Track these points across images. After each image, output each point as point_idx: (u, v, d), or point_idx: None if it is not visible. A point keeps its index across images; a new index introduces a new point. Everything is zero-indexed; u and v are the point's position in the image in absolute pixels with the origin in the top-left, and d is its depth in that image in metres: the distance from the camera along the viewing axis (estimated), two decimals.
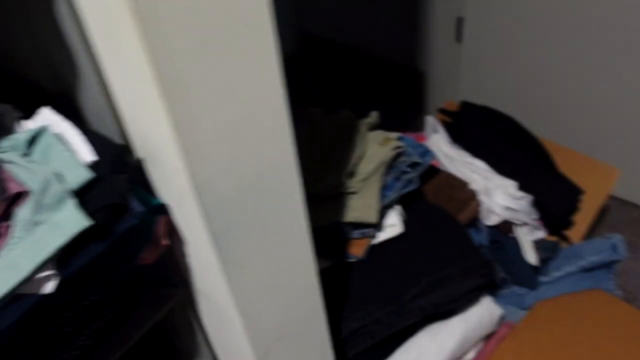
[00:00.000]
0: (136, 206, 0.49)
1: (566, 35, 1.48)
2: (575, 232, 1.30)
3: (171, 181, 0.49)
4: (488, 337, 1.11)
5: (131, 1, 0.34)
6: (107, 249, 0.47)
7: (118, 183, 0.47)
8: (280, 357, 0.68)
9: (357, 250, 0.84)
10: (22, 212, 0.43)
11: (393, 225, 0.87)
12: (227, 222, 0.50)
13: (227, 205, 0.49)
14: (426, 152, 0.88)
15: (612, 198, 1.64)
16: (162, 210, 0.53)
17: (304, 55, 2.52)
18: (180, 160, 0.44)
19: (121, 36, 0.38)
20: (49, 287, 0.43)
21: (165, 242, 0.54)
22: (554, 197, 1.20)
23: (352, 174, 0.82)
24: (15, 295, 0.41)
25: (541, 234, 1.22)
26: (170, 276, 0.65)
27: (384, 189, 0.83)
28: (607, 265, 1.23)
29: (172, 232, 0.57)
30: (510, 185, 1.12)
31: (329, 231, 0.81)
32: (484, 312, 1.05)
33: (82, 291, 0.50)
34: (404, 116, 2.03)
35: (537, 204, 1.20)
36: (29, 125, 0.49)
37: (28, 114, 0.50)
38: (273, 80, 0.46)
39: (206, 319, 0.71)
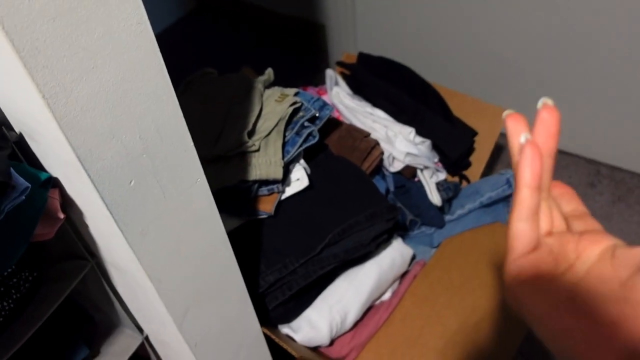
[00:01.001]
0: (21, 183, 0.48)
1: None
2: (474, 172, 1.39)
3: (55, 154, 0.49)
4: (402, 277, 1.18)
5: None
6: None
7: None
8: (199, 316, 0.70)
9: (266, 206, 0.86)
10: None
11: (299, 179, 0.89)
12: (121, 190, 0.51)
13: (117, 173, 0.49)
14: (324, 106, 0.91)
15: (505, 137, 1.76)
16: (51, 183, 0.52)
17: (200, 14, 2.46)
18: (58, 132, 0.43)
19: None
20: None
21: (61, 215, 0.53)
22: (451, 140, 1.27)
23: (252, 133, 0.83)
24: None
25: (443, 175, 1.29)
26: (77, 249, 0.64)
27: (286, 144, 0.85)
28: (504, 199, 1.34)
29: (69, 205, 0.56)
30: (409, 131, 1.17)
31: (236, 190, 0.83)
32: (396, 253, 1.11)
33: None
34: (305, 71, 2.05)
35: (436, 148, 1.27)
36: None
37: None
38: (147, 46, 0.46)
39: (120, 288, 0.71)
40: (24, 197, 0.48)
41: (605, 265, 0.28)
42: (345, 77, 1.33)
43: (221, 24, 2.40)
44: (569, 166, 1.64)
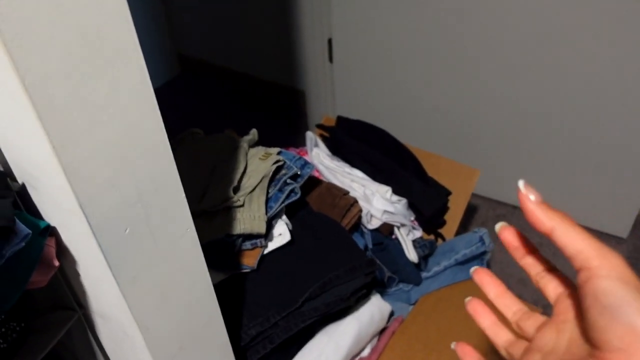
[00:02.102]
0: (22, 229, 0.51)
1: (422, 52, 1.65)
2: (448, 230, 1.44)
3: (55, 203, 0.52)
4: (381, 333, 1.20)
5: None
6: None
7: (2, 207, 0.49)
8: None
9: (249, 260, 0.89)
10: None
11: (281, 234, 0.93)
12: (116, 237, 0.54)
13: (113, 222, 0.52)
14: (305, 164, 0.96)
15: (480, 198, 1.83)
16: (49, 232, 0.55)
17: (184, 79, 2.55)
18: (62, 180, 0.47)
19: None
20: None
21: (56, 263, 0.56)
22: (425, 198, 1.32)
23: (237, 189, 0.87)
24: None
25: (418, 233, 1.33)
26: (65, 300, 0.66)
27: (269, 200, 0.89)
28: (479, 257, 1.38)
29: (62, 253, 0.58)
30: (386, 190, 1.23)
31: (221, 244, 0.86)
32: (375, 309, 1.13)
33: None
34: (287, 133, 2.12)
35: (412, 206, 1.33)
36: None
37: None
38: (146, 103, 0.51)
39: (105, 339, 0.72)
40: (24, 244, 0.50)
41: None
42: (325, 139, 1.40)
43: (205, 89, 2.49)
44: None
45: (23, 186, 0.54)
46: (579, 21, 1.38)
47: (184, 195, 0.60)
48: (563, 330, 0.35)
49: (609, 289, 0.29)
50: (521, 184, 0.35)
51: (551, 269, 0.39)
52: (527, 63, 1.50)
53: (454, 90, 1.66)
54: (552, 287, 0.38)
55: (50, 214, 0.55)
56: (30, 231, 0.51)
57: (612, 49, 1.38)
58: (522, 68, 1.51)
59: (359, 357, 1.12)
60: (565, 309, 0.36)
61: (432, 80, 1.69)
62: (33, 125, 0.43)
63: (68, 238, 0.56)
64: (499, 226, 0.39)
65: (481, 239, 1.35)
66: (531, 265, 0.39)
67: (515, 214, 1.73)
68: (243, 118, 2.26)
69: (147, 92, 0.50)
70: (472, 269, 0.43)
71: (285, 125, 2.19)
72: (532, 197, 0.34)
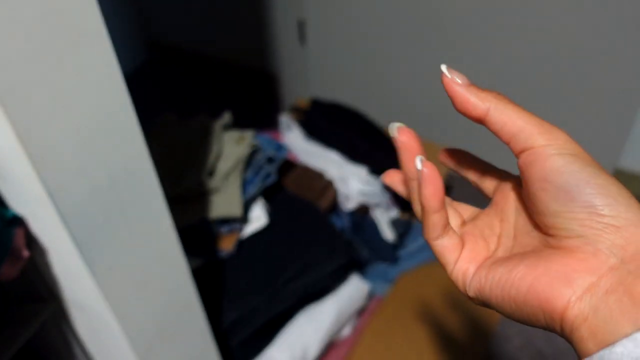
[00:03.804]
0: None
1: (397, 31, 1.65)
2: None
3: (24, 191, 0.50)
4: (361, 313, 1.21)
5: None
6: None
7: None
8: (162, 354, 0.70)
9: (227, 244, 0.88)
10: None
11: (258, 217, 0.92)
12: (88, 226, 0.52)
13: (85, 210, 0.51)
14: (280, 147, 0.95)
15: (456, 178, 1.85)
16: (17, 222, 0.53)
17: (153, 64, 2.50)
18: (28, 168, 0.45)
19: None
20: None
21: (25, 254, 0.54)
22: None
23: (212, 173, 0.86)
24: None
25: (395, 212, 1.35)
26: (38, 291, 0.64)
27: (245, 184, 0.89)
28: None
29: (32, 244, 0.57)
30: (361, 171, 1.23)
31: (198, 229, 0.85)
32: (353, 289, 1.14)
33: None
34: (260, 117, 2.10)
35: (388, 186, 1.33)
36: None
37: None
38: (114, 87, 0.49)
39: (81, 329, 0.71)
40: None
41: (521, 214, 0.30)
42: (299, 122, 1.39)
43: (175, 75, 2.44)
44: None
45: None
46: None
47: (157, 181, 0.59)
48: (505, 220, 0.31)
49: (563, 167, 0.25)
50: (444, 67, 0.30)
51: (486, 168, 0.34)
52: (508, 37, 1.51)
53: (429, 70, 1.66)
54: (488, 181, 0.34)
55: (18, 203, 0.53)
56: None
57: (609, 41, 1.39)
58: (502, 43, 1.52)
59: (339, 336, 1.13)
60: (505, 197, 0.31)
61: (407, 61, 1.68)
62: None
63: (38, 228, 0.55)
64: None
65: None
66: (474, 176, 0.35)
67: None
68: (214, 102, 2.23)
69: (114, 75, 0.49)
70: (394, 127, 0.33)
71: (257, 109, 2.17)
72: (458, 79, 0.29)
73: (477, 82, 0.30)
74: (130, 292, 0.61)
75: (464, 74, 0.29)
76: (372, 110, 1.46)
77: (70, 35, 0.44)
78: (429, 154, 0.33)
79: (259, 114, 2.13)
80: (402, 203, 1.36)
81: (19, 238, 0.54)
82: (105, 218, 0.54)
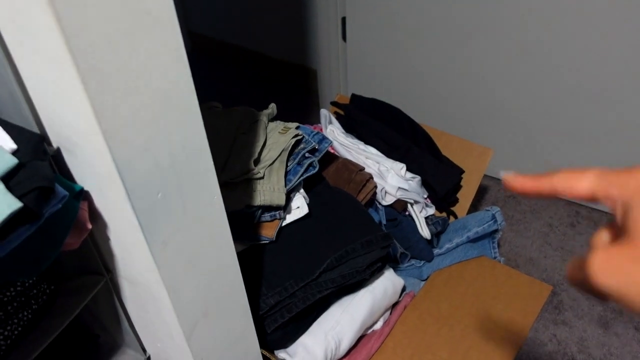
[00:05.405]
0: (60, 191, 0.52)
1: (435, 30, 1.65)
2: (461, 208, 1.45)
3: (92, 166, 0.53)
4: (393, 307, 1.22)
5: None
6: (36, 231, 0.50)
7: (42, 169, 0.50)
8: (206, 333, 0.73)
9: (268, 232, 0.91)
10: None
11: (299, 207, 0.94)
12: (149, 201, 0.55)
13: (147, 186, 0.54)
14: (323, 139, 0.97)
15: (492, 179, 1.84)
16: (83, 195, 0.56)
17: (194, 57, 2.55)
18: (102, 144, 0.48)
19: (38, 31, 0.42)
20: None
21: (89, 225, 0.58)
22: (439, 176, 1.34)
23: (257, 161, 0.89)
24: None
25: (431, 210, 1.35)
26: (92, 264, 0.68)
27: (288, 173, 0.91)
28: (490, 235, 1.39)
29: (94, 217, 0.60)
30: (400, 167, 1.24)
31: (242, 215, 0.87)
32: (388, 283, 1.15)
33: (12, 274, 0.52)
34: (300, 111, 2.13)
35: (425, 184, 1.34)
36: None
37: None
38: (181, 71, 0.52)
39: (130, 304, 0.74)
40: (60, 205, 0.52)
41: None
42: (339, 117, 1.40)
43: (217, 67, 2.49)
44: (550, 207, 1.72)
45: (58, 150, 0.55)
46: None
47: (212, 163, 0.62)
48: None
49: None
50: (503, 174, 0.33)
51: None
52: (542, 42, 1.50)
53: (468, 68, 1.66)
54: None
55: (84, 178, 0.56)
56: (67, 193, 0.52)
57: (626, 29, 1.37)
58: (537, 47, 1.51)
59: (371, 329, 1.14)
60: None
61: (445, 59, 1.69)
62: (76, 89, 0.44)
63: (101, 202, 0.58)
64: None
65: (493, 217, 1.36)
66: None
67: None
68: (254, 96, 2.27)
69: (181, 59, 0.51)
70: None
71: (297, 103, 2.20)
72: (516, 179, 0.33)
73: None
74: (181, 269, 0.64)
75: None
76: (411, 108, 1.47)
77: (146, 20, 0.46)
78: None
79: (299, 108, 2.16)
80: (440, 202, 1.37)
81: (83, 211, 0.57)
82: (164, 194, 0.56)
